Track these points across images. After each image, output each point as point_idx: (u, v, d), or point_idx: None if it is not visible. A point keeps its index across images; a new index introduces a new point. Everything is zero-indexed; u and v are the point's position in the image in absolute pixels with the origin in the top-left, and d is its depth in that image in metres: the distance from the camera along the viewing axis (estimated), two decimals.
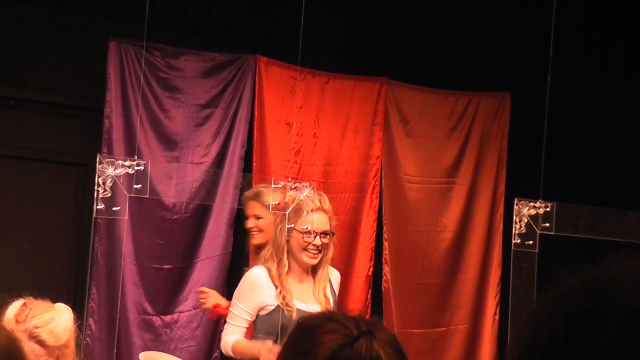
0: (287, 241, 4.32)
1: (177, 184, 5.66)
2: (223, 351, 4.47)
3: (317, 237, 4.30)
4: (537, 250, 4.84)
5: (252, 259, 5.33)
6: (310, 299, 4.31)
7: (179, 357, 5.61)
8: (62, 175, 5.46)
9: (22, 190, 5.61)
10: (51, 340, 3.18)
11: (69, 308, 3.38)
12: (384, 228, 6.16)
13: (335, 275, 4.51)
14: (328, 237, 4.35)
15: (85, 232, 5.39)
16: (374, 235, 6.15)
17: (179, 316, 5.76)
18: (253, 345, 4.30)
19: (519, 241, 4.84)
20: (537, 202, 4.84)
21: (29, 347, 3.05)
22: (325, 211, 4.36)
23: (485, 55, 6.40)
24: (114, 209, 4.07)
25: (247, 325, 4.36)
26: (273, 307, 4.29)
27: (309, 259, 4.32)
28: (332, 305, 4.37)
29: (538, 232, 4.82)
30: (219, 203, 5.81)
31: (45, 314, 3.22)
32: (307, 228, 4.30)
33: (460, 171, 6.38)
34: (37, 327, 3.17)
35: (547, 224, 4.83)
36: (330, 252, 4.39)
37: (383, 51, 6.27)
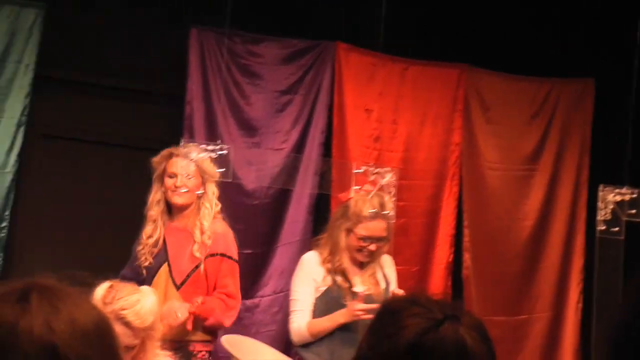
0: (345, 237, 4.40)
1: (257, 169, 5.70)
2: (297, 340, 4.43)
3: (373, 243, 4.38)
4: (622, 237, 4.75)
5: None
6: (357, 281, 4.34)
7: (259, 340, 5.65)
8: (145, 161, 5.51)
9: (105, 175, 5.69)
10: (137, 321, 3.23)
11: (154, 290, 3.43)
12: (464, 215, 6.11)
13: (387, 261, 4.54)
14: (383, 242, 4.42)
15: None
16: (454, 222, 6.11)
17: (260, 300, 5.79)
18: (331, 315, 4.29)
19: (604, 228, 4.77)
20: (623, 189, 4.75)
21: (114, 329, 3.10)
22: (384, 217, 4.39)
23: (568, 40, 6.29)
24: (198, 192, 4.10)
25: (311, 308, 4.37)
26: (324, 290, 4.35)
27: (361, 258, 4.41)
28: (382, 289, 4.41)
29: (624, 218, 4.74)
30: (299, 189, 5.83)
31: (131, 296, 3.27)
32: (364, 235, 4.35)
33: (542, 158, 6.29)
34: (123, 309, 3.22)
35: (633, 211, 4.74)
36: (384, 250, 4.46)
37: (463, 37, 6.20)
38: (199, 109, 5.66)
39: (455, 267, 6.08)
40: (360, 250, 4.36)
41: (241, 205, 5.73)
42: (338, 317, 4.28)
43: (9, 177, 5.23)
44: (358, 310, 4.18)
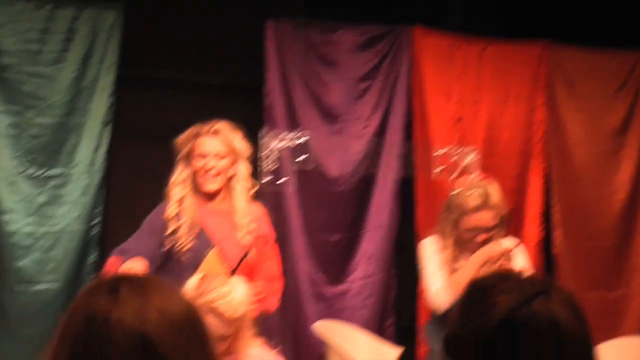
0: (454, 229, 4.32)
1: (339, 156, 5.70)
2: (439, 303, 4.22)
3: (481, 234, 4.27)
4: None
5: (422, 230, 5.33)
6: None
7: (352, 325, 5.67)
8: None
9: None
10: (229, 312, 3.26)
11: (244, 281, 3.45)
12: (553, 192, 6.03)
13: (509, 242, 4.45)
14: (492, 231, 4.29)
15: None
16: (541, 200, 6.02)
17: (350, 286, 5.80)
18: (469, 261, 4.21)
19: None
20: None
21: (207, 320, 3.13)
22: (490, 207, 4.25)
23: None
24: (280, 181, 4.11)
25: (443, 274, 4.30)
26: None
27: (472, 249, 4.30)
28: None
29: None
30: (383, 174, 5.82)
31: (222, 287, 3.31)
32: (471, 227, 4.27)
33: (630, 131, 6.17)
34: (215, 301, 3.25)
35: None
36: (499, 234, 4.34)
37: (543, 12, 6.10)
38: (278, 100, 5.68)
39: (546, 245, 6.00)
40: (469, 241, 4.29)
41: (326, 192, 5.74)
42: (476, 259, 4.18)
43: (98, 175, 5.33)
44: (500, 251, 4.10)
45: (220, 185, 4.19)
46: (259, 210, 4.31)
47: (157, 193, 5.64)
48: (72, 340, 1.37)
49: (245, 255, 4.16)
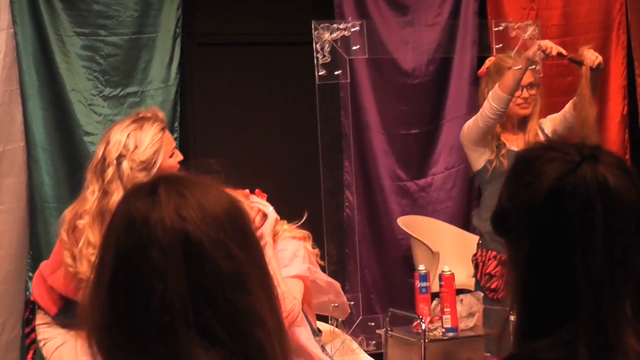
0: None
1: (413, 47, 5.62)
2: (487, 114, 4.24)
3: (524, 90, 4.32)
4: None
5: None
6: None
7: (437, 219, 5.66)
8: (302, 55, 5.51)
9: (264, 76, 5.74)
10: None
11: None
12: (635, 64, 5.85)
13: (547, 125, 4.40)
14: (534, 88, 4.37)
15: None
16: (624, 72, 5.86)
17: (432, 179, 5.78)
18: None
19: None
20: None
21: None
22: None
23: None
24: (336, 73, 4.07)
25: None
26: (487, 159, 4.34)
27: (521, 110, 4.36)
28: None
29: None
30: (458, 60, 5.73)
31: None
32: None
33: None
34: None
35: None
36: (539, 104, 4.39)
37: None
38: None
39: (632, 119, 5.85)
40: (514, 102, 4.27)
41: (402, 85, 5.69)
42: (521, 62, 4.14)
43: (173, 90, 5.36)
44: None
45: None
46: None
47: (235, 102, 5.69)
48: (115, 244, 1.40)
49: None
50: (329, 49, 4.16)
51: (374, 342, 4.23)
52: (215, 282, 1.38)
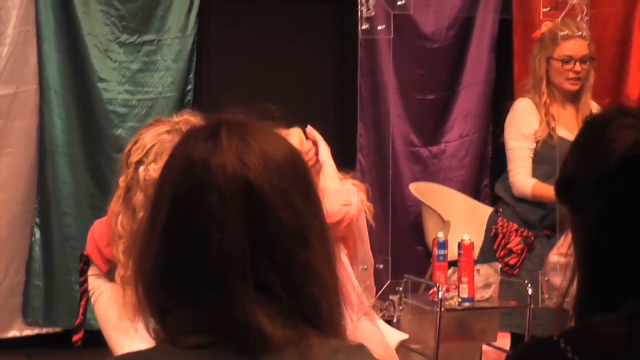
0: (547, 70, 4.17)
1: (435, 11, 5.54)
2: (517, 193, 4.17)
3: (577, 63, 4.16)
4: None
5: (516, 90, 5.16)
6: (574, 126, 4.13)
7: (448, 186, 5.61)
8: (320, 11, 5.44)
9: (283, 31, 5.66)
10: None
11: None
12: None
13: (595, 106, 4.30)
14: (588, 63, 4.21)
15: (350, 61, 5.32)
16: None
17: (445, 146, 5.72)
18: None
19: None
20: None
21: None
22: (582, 37, 4.17)
23: None
24: (379, 27, 3.99)
25: (530, 161, 4.18)
26: (542, 138, 4.18)
27: (570, 86, 4.19)
28: None
29: None
30: (479, 28, 5.65)
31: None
32: (565, 55, 4.14)
33: None
34: None
35: None
36: (592, 78, 4.24)
37: None
38: None
39: None
40: (565, 76, 4.15)
41: (421, 49, 5.62)
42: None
43: (190, 40, 5.28)
44: None
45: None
46: None
47: (252, 56, 5.61)
48: (172, 187, 1.33)
49: None
50: (373, 2, 4.07)
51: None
52: (275, 234, 1.32)
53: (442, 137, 5.73)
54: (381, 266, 3.56)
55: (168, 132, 2.82)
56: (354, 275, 3.10)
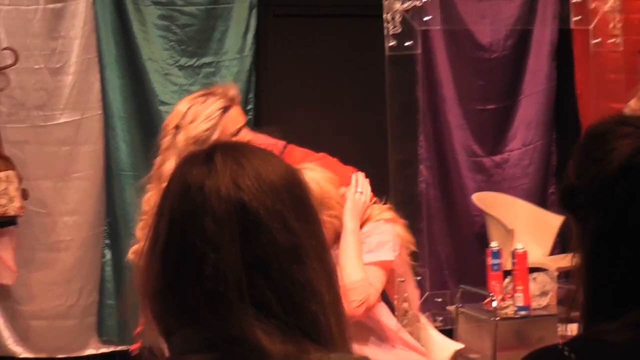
0: None
1: (491, 22, 5.51)
2: None
3: None
4: None
5: (579, 97, 5.10)
6: None
7: (513, 195, 5.57)
8: (374, 27, 5.44)
9: (338, 47, 5.70)
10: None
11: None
12: None
13: None
14: None
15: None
16: None
17: (509, 155, 5.68)
18: None
19: None
20: None
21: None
22: None
23: None
24: (406, 44, 3.99)
25: None
26: None
27: None
28: None
29: None
30: (537, 36, 5.60)
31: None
32: None
33: None
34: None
35: None
36: None
37: None
38: None
39: None
40: None
41: (480, 60, 5.59)
42: None
43: (248, 61, 5.36)
44: None
45: None
46: None
47: (310, 72, 5.67)
48: (169, 212, 1.38)
49: None
50: (400, 19, 4.07)
51: (441, 318, 4.18)
52: (271, 254, 1.35)
53: (504, 147, 5.70)
54: (419, 278, 3.56)
55: (202, 95, 2.85)
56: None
